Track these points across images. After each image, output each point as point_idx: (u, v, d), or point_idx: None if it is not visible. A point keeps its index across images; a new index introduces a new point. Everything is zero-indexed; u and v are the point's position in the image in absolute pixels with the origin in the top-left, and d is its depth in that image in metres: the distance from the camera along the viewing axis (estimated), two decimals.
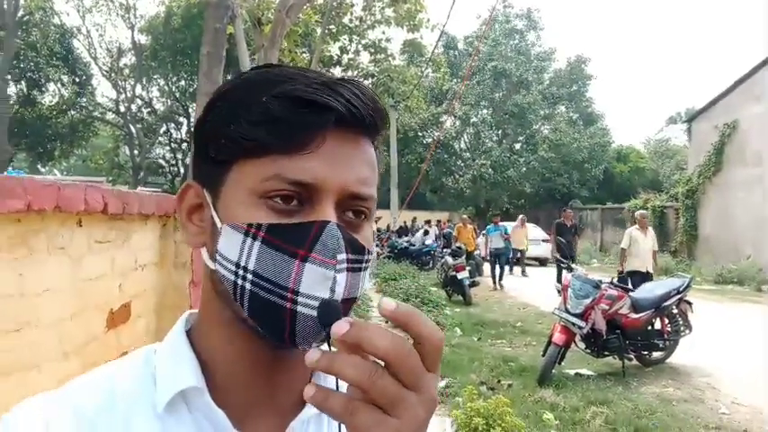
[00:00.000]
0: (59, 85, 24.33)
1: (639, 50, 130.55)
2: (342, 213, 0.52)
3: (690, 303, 6.50)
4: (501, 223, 14.21)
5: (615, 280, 6.86)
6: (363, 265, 0.53)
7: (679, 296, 6.32)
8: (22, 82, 22.92)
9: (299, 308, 0.48)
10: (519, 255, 15.59)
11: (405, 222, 23.47)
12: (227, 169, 0.52)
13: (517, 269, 15.90)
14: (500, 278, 13.27)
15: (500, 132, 33.84)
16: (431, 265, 16.42)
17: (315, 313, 0.48)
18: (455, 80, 30.51)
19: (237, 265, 0.50)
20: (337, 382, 0.45)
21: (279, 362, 0.55)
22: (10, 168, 15.75)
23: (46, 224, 1.62)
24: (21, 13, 21.52)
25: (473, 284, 11.30)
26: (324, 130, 0.50)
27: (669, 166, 32.88)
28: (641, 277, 8.38)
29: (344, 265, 0.49)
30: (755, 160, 15.79)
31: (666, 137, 39.41)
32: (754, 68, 16.01)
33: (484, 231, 21.15)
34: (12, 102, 21.88)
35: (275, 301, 0.48)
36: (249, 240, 0.49)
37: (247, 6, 8.42)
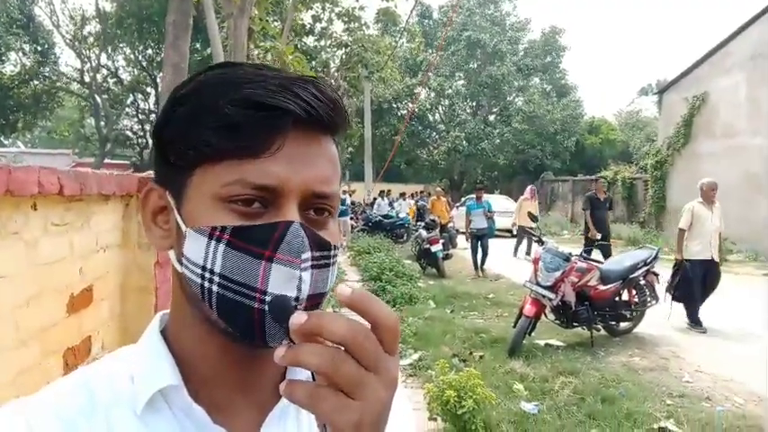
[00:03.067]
0: (21, 54, 23.34)
1: (612, 21, 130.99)
2: (305, 212, 0.53)
3: (657, 275, 6.65)
4: (485, 198, 11.86)
5: (673, 273, 6.77)
6: (330, 260, 0.54)
7: (646, 267, 6.47)
8: None
9: (268, 307, 0.49)
10: (525, 234, 12.63)
11: (380, 194, 23.47)
12: (189, 174, 0.53)
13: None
14: (482, 263, 11.32)
15: (474, 104, 33.84)
16: (405, 238, 16.48)
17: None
18: (430, 51, 30.26)
19: (204, 268, 0.51)
20: (313, 374, 0.47)
21: (253, 357, 0.56)
22: None
23: None
24: None
25: (447, 257, 11.38)
26: (283, 133, 0.50)
27: (639, 137, 33.36)
28: (705, 267, 6.75)
29: (309, 263, 0.51)
30: (724, 132, 16.08)
31: (637, 108, 39.99)
32: (723, 41, 16.19)
33: (457, 204, 21.30)
34: None
35: (244, 302, 0.49)
36: (214, 243, 0.50)
37: None
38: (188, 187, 0.53)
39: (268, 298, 0.49)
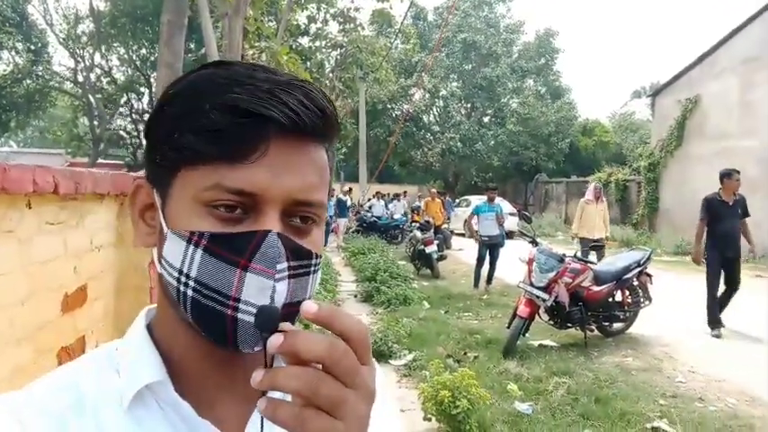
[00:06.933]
0: (13, 52, 23.22)
1: (606, 24, 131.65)
2: (289, 219, 0.53)
3: (650, 275, 6.68)
4: (496, 200, 9.80)
5: None
6: (311, 269, 0.54)
7: (639, 269, 6.50)
8: None
9: (240, 315, 0.49)
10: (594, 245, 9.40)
11: (374, 195, 23.47)
12: (174, 175, 0.53)
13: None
14: (489, 277, 9.57)
15: (469, 106, 33.88)
16: (400, 239, 16.50)
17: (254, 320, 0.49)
18: (425, 52, 30.29)
19: (180, 272, 0.51)
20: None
21: (236, 354, 0.56)
22: None
23: None
24: None
25: (441, 258, 11.42)
26: (265, 140, 0.50)
27: (633, 140, 33.44)
28: None
29: (285, 274, 0.50)
30: (716, 135, 16.19)
31: (631, 111, 40.13)
32: (715, 45, 16.31)
33: (455, 204, 21.30)
34: None
35: (216, 308, 0.50)
36: (191, 248, 0.50)
37: None
38: (172, 188, 0.53)
39: (241, 305, 0.49)
